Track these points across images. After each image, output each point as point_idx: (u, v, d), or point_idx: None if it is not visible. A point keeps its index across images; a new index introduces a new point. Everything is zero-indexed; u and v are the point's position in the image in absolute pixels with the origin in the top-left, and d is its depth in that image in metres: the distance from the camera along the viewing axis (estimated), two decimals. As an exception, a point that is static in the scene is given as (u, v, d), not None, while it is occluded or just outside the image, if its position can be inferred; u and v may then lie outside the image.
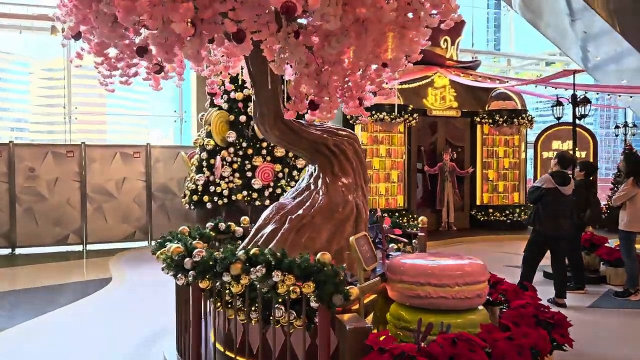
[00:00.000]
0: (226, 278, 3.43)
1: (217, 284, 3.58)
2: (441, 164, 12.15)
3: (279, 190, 8.49)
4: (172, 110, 13.67)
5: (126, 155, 10.58)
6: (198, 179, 8.82)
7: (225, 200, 8.57)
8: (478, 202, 12.74)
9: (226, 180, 8.65)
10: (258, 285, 3.34)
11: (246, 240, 4.44)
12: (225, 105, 8.99)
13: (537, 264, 6.11)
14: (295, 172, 8.64)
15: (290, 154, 8.69)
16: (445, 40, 12.34)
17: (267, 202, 8.47)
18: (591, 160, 12.79)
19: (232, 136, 8.68)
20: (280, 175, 8.57)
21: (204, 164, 8.96)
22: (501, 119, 12.23)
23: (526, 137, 13.17)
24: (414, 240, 5.66)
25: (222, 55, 4.69)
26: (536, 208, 6.09)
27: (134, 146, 10.82)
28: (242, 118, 8.73)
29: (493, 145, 12.70)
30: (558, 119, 8.97)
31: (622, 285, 6.57)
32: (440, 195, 12.13)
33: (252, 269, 3.34)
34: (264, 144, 8.67)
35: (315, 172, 4.71)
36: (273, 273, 3.27)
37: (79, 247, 10.25)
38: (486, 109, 12.61)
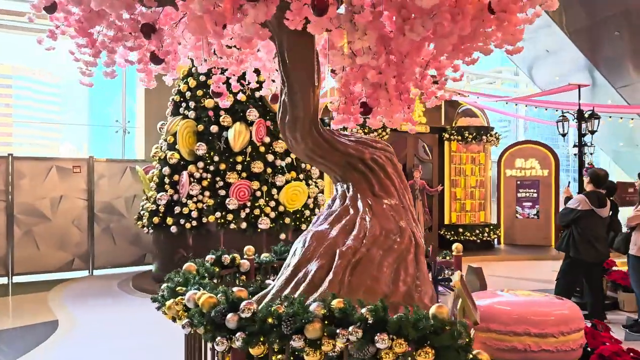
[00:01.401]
0: (297, 343, 2.41)
1: (276, 348, 2.55)
2: (412, 181, 11.53)
3: (257, 212, 7.39)
4: (112, 120, 12.10)
5: (63, 170, 9.01)
6: (160, 198, 7.52)
7: (194, 222, 7.34)
8: (446, 222, 12.26)
9: (194, 199, 7.43)
10: (352, 354, 2.35)
11: (281, 281, 3.39)
12: (191, 114, 7.80)
13: (572, 293, 5.53)
14: (274, 191, 7.58)
15: (269, 170, 7.64)
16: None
17: (244, 224, 7.35)
18: (553, 179, 12.76)
19: (201, 149, 7.49)
20: (259, 193, 7.48)
21: (167, 180, 7.68)
22: (470, 136, 11.88)
23: (491, 155, 12.95)
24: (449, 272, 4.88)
25: (236, 47, 3.69)
26: (569, 232, 5.50)
27: (73, 159, 9.26)
28: (214, 128, 7.58)
29: (460, 162, 12.32)
30: (563, 135, 8.59)
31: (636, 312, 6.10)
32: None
33: (339, 331, 2.36)
34: (239, 158, 7.56)
35: (350, 192, 3.77)
36: (376, 337, 2.30)
37: (3, 280, 8.52)
38: (453, 125, 12.23)
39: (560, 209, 6.09)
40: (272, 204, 7.54)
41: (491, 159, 12.95)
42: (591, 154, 13.73)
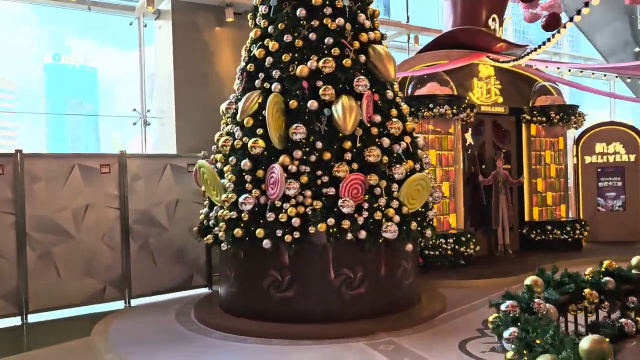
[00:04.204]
0: None
1: None
2: (495, 172, 9.77)
3: (377, 215, 5.43)
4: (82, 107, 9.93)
5: (89, 170, 6.84)
6: (243, 202, 5.47)
7: (297, 233, 5.33)
8: (527, 218, 10.53)
9: (292, 202, 5.42)
10: None
11: None
12: (276, 86, 5.79)
13: None
14: (394, 186, 5.65)
15: (385, 159, 5.69)
16: (494, 18, 10.06)
17: (363, 233, 5.39)
18: (640, 164, 11.18)
19: (299, 132, 5.49)
20: (378, 191, 5.52)
21: (248, 178, 5.65)
22: (557, 116, 10.16)
23: (566, 140, 11.28)
24: None
25: None
26: None
27: (100, 156, 7.10)
28: (312, 104, 5.58)
29: (540, 148, 10.61)
30: None
31: None
32: (495, 212, 9.73)
33: None
34: (347, 144, 5.59)
35: None
36: None
37: (14, 320, 6.32)
38: (530, 105, 10.51)
39: None
40: (395, 204, 5.59)
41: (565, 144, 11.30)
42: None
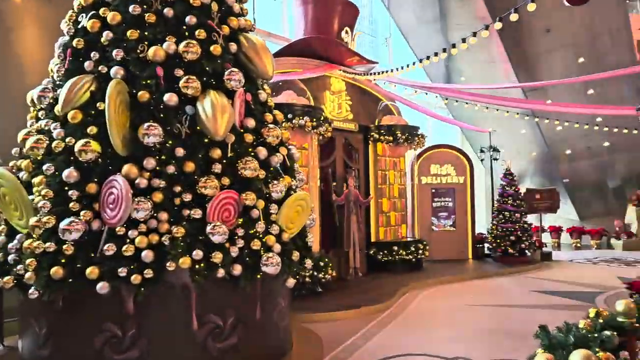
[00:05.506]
0: None
1: None
2: (347, 191, 9.27)
3: (256, 244, 4.27)
4: None
5: None
6: (66, 229, 3.82)
7: (149, 272, 3.87)
8: (373, 239, 10.27)
9: (142, 228, 3.96)
10: None
11: None
12: (117, 71, 4.28)
13: None
14: (273, 207, 4.54)
15: (261, 174, 4.55)
16: (347, 31, 9.64)
17: (239, 268, 4.17)
18: (468, 185, 11.87)
19: (153, 133, 4.06)
20: (255, 213, 4.35)
21: (73, 193, 4.00)
22: (403, 136, 10.13)
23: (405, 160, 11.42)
24: None
25: None
26: None
27: None
28: (170, 98, 4.21)
29: (385, 168, 10.50)
30: None
31: None
32: (347, 233, 9.21)
33: None
34: (215, 153, 4.34)
35: None
36: None
37: None
38: (377, 123, 10.36)
39: None
40: (275, 229, 4.49)
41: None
42: (495, 159, 13.35)
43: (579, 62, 12.88)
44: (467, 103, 11.74)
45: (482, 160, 13.57)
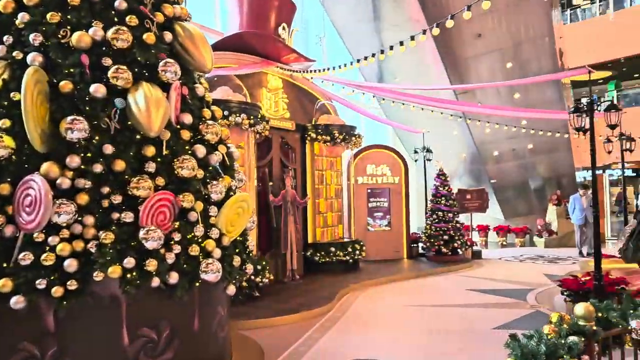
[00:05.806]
0: None
1: None
2: (284, 191, 9.03)
3: (194, 250, 3.95)
4: None
5: None
6: (-26, 237, 3.33)
7: (72, 284, 3.45)
8: (310, 240, 10.10)
9: (65, 234, 3.53)
10: None
11: None
12: (33, 58, 3.81)
13: None
14: (212, 209, 4.23)
15: (200, 174, 4.23)
16: (284, 27, 9.38)
17: (175, 277, 3.83)
18: (403, 185, 11.99)
19: (78, 128, 3.63)
20: (193, 216, 4.02)
21: (-18, 196, 3.51)
22: (340, 136, 10.03)
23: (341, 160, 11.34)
24: None
25: None
26: None
27: None
28: (98, 90, 3.80)
29: (322, 168, 10.36)
30: (579, 130, 7.06)
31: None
32: (285, 234, 8.98)
33: None
34: (149, 151, 3.97)
35: None
36: None
37: None
38: (314, 122, 10.21)
39: None
40: (215, 233, 4.19)
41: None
42: (429, 160, 13.55)
43: (507, 67, 13.38)
44: (403, 104, 11.85)
45: (415, 160, 13.78)
